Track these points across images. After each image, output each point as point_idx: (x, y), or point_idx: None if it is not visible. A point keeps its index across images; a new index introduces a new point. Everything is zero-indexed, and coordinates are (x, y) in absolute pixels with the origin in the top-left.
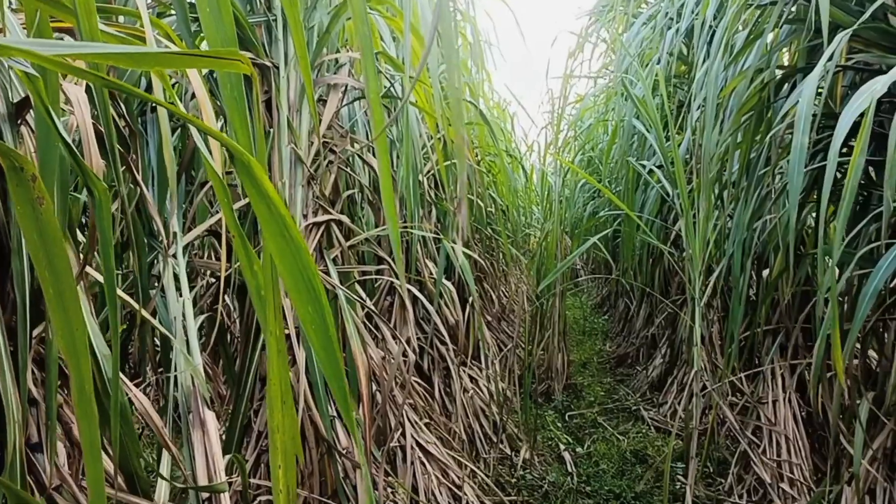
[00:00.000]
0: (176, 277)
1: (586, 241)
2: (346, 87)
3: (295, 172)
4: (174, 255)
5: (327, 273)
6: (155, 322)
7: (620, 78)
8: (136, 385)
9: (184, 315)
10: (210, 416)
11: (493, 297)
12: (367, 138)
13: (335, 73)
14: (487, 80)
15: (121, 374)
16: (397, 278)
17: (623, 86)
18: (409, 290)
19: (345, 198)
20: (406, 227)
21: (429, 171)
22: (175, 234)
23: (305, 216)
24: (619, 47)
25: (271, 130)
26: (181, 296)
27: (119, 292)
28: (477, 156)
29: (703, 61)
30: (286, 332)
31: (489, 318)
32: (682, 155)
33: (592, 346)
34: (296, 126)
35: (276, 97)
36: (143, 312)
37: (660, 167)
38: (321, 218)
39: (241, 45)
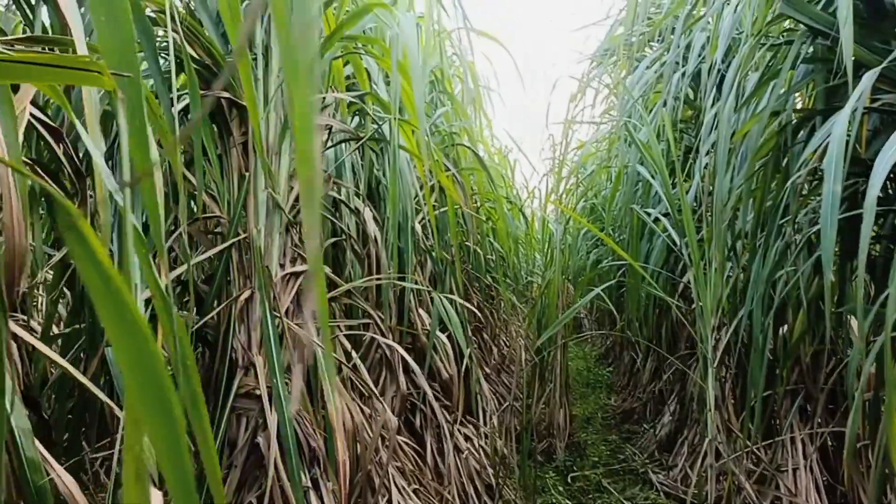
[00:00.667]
0: None
1: (589, 292)
2: (331, 129)
3: (272, 219)
4: None
5: (303, 328)
6: (95, 389)
7: (623, 122)
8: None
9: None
10: (157, 498)
11: (493, 347)
12: (355, 183)
13: (318, 114)
14: (488, 126)
15: (41, 450)
16: (384, 334)
17: (626, 130)
18: (399, 345)
19: (328, 246)
20: (396, 277)
21: (423, 219)
22: None
23: (283, 266)
24: (621, 91)
25: (247, 174)
26: None
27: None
28: (476, 202)
29: (712, 105)
30: (257, 392)
31: (488, 371)
32: (689, 202)
33: (597, 400)
34: (274, 170)
35: (254, 139)
36: (82, 379)
37: (666, 215)
38: (300, 267)
39: (213, 82)
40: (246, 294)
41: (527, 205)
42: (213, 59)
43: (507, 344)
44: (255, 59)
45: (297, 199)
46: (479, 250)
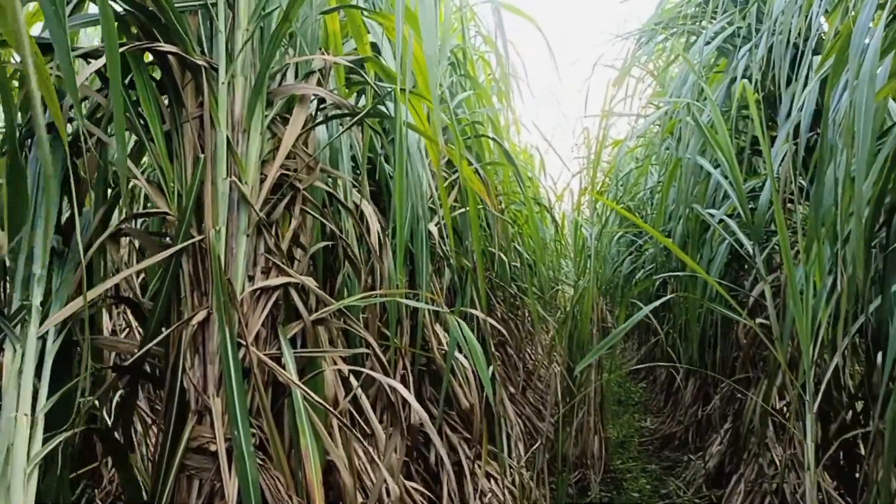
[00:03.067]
0: None
1: (629, 305)
2: (322, 102)
3: (238, 217)
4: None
5: (279, 360)
6: None
7: (684, 104)
8: None
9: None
10: None
11: (518, 362)
12: (354, 174)
13: (303, 82)
14: (515, 124)
15: None
16: (385, 369)
17: (688, 110)
18: (412, 367)
19: (316, 253)
20: (405, 289)
21: (439, 221)
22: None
23: (252, 278)
24: (682, 65)
25: (203, 157)
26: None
27: None
28: (500, 203)
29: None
30: (213, 446)
31: (512, 390)
32: (763, 202)
33: (631, 421)
34: (241, 153)
35: (212, 110)
36: None
37: (731, 216)
38: (275, 281)
39: (165, 36)
40: (200, 315)
41: (555, 207)
42: (156, 4)
43: (533, 357)
44: (214, 5)
45: (272, 192)
46: (503, 257)
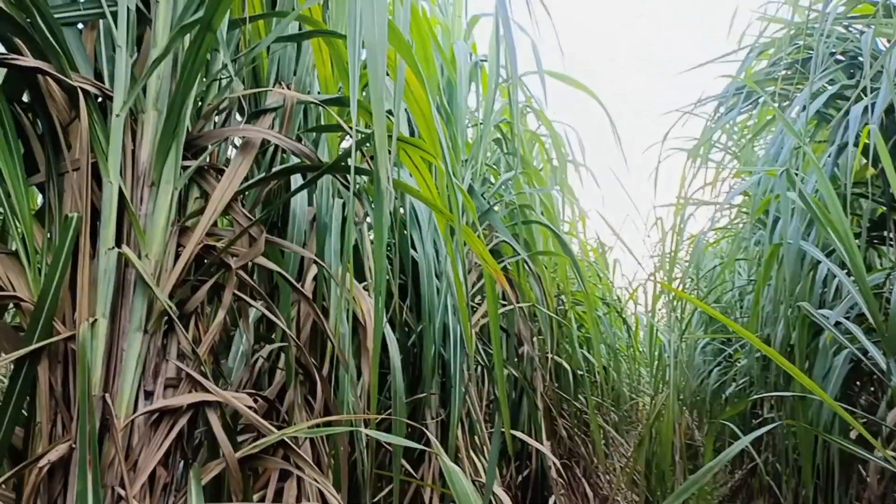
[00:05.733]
0: None
1: (716, 427)
2: (272, 150)
3: (131, 305)
4: None
5: None
6: None
7: (783, 171)
8: None
9: None
10: None
11: (588, 489)
12: (311, 235)
13: (250, 124)
14: (581, 220)
15: None
16: None
17: (788, 178)
18: None
19: (255, 360)
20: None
21: (478, 322)
22: None
23: (150, 394)
24: (750, 159)
25: (74, 216)
26: None
27: None
28: (560, 303)
29: None
30: None
31: None
32: None
33: None
34: (143, 214)
35: (98, 154)
36: None
37: (849, 317)
38: (183, 399)
39: (34, 51)
40: (59, 452)
41: (625, 309)
42: (20, 5)
43: (608, 475)
44: (114, 13)
45: (189, 271)
46: (567, 365)
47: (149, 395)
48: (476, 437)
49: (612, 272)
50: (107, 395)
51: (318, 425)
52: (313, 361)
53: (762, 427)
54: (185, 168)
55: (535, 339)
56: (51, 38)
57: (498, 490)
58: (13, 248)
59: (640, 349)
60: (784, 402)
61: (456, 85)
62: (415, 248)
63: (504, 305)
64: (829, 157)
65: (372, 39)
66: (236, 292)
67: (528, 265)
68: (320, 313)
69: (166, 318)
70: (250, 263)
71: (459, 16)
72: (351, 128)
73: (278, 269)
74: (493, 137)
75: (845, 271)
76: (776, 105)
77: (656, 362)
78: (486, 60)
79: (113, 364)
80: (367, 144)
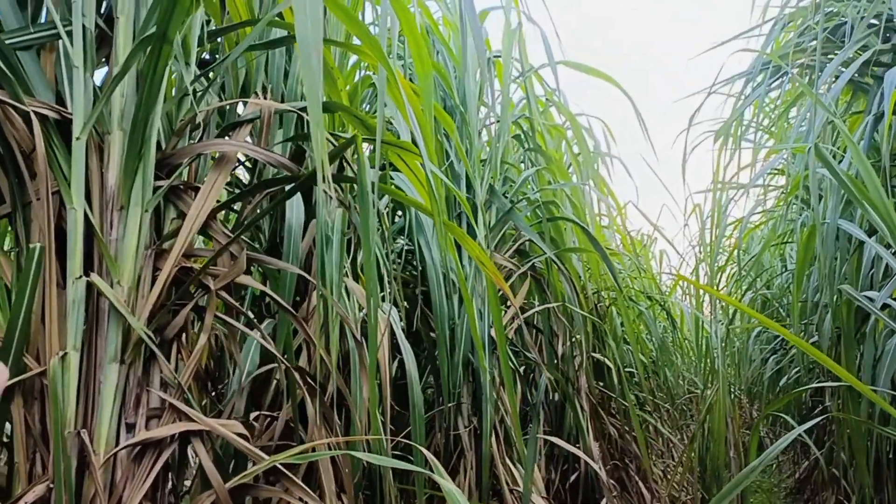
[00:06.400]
0: None
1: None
2: (253, 164)
3: (105, 335)
4: None
5: None
6: None
7: (812, 145)
8: None
9: None
10: None
11: (642, 488)
12: (301, 255)
13: (225, 136)
14: (619, 213)
15: None
16: None
17: (817, 154)
18: None
19: (269, 379)
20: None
21: (512, 321)
22: None
23: (132, 427)
24: (782, 136)
25: (35, 246)
26: None
27: None
28: (598, 298)
29: None
30: None
31: None
32: None
33: None
34: (113, 239)
35: (60, 180)
36: None
37: None
38: (167, 430)
39: None
40: (37, 492)
41: (670, 301)
42: None
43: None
44: (69, 32)
45: (164, 300)
46: (610, 363)
47: (130, 428)
48: (513, 446)
49: (660, 264)
50: (83, 430)
51: (328, 447)
52: (336, 371)
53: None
54: (157, 188)
55: (574, 337)
56: (2, 65)
57: (537, 501)
58: None
59: (688, 338)
60: (838, 389)
61: (466, 84)
62: (420, 245)
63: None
64: (865, 127)
65: (304, 34)
66: (220, 315)
67: (557, 263)
68: (312, 336)
69: (145, 346)
70: (239, 283)
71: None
72: (334, 134)
73: (263, 289)
74: (513, 134)
75: (892, 250)
76: (806, 78)
77: (704, 355)
78: (499, 56)
79: (90, 397)
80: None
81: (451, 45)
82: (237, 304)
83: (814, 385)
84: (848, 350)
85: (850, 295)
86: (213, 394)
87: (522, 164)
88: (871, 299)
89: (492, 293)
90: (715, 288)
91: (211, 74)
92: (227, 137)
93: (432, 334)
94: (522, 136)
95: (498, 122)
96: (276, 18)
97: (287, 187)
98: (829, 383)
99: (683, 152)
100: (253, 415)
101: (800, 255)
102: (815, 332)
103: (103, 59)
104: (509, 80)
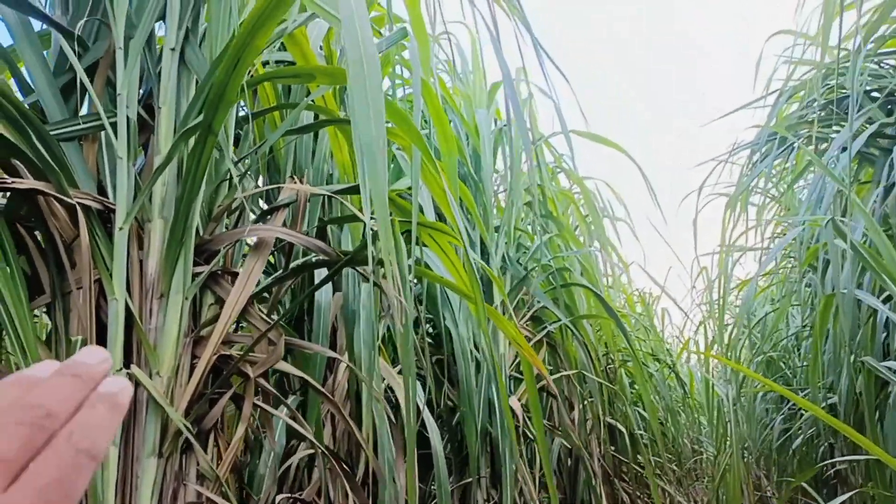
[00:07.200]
0: None
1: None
2: (286, 247)
3: (143, 428)
4: None
5: None
6: None
7: (828, 221)
8: None
9: None
10: None
11: None
12: (340, 323)
13: (263, 222)
14: (623, 268)
15: None
16: None
17: (834, 227)
18: None
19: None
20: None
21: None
22: None
23: None
24: (791, 202)
25: (76, 339)
26: None
27: None
28: (609, 361)
29: None
30: None
31: None
32: None
33: None
34: (152, 328)
35: (102, 271)
36: None
37: None
38: None
39: (33, 171)
40: None
41: (678, 361)
42: (15, 126)
43: None
44: (113, 124)
45: (206, 383)
46: (620, 426)
47: None
48: None
49: (662, 322)
50: None
51: None
52: (371, 454)
53: (837, 481)
54: (196, 275)
55: (586, 401)
56: (48, 158)
57: None
58: None
59: (697, 399)
60: (859, 465)
61: (481, 153)
62: (446, 319)
63: (552, 372)
64: (875, 199)
65: (368, 136)
66: (258, 403)
67: (572, 329)
68: (349, 419)
69: (183, 437)
70: (276, 368)
71: (480, 85)
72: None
73: (301, 374)
74: (524, 201)
75: None
76: (812, 148)
77: (716, 420)
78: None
79: (127, 492)
80: None
81: (464, 112)
82: (274, 391)
83: (839, 459)
84: (872, 421)
85: (872, 366)
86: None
87: (529, 227)
88: (893, 370)
89: (527, 371)
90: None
91: (247, 160)
92: (264, 222)
93: (449, 402)
94: (533, 203)
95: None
96: (313, 103)
97: (319, 270)
98: (857, 457)
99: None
100: (279, 498)
101: (817, 324)
102: (827, 395)
103: (140, 146)
104: (520, 150)
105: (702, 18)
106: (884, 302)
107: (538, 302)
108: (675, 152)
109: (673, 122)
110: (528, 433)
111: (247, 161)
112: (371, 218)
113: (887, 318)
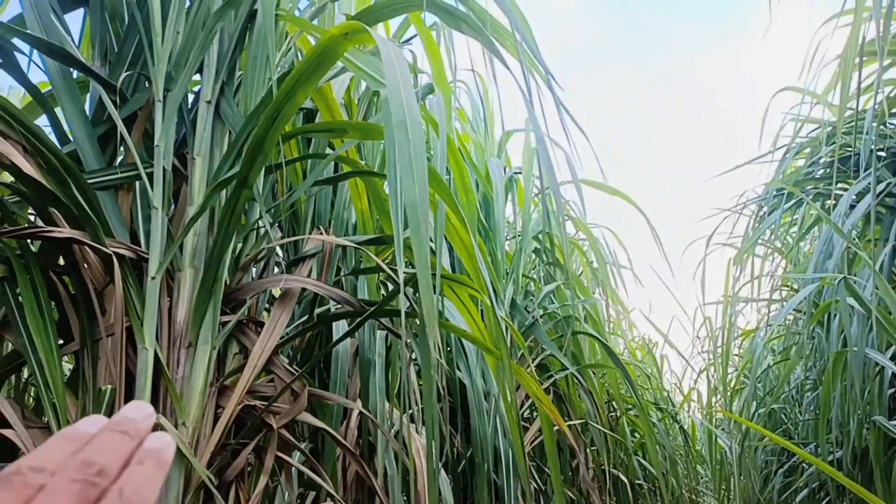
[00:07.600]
0: None
1: None
2: (313, 297)
3: (167, 478)
4: None
5: None
6: None
7: (840, 280)
8: None
9: None
10: None
11: None
12: (354, 370)
13: (289, 272)
14: (625, 313)
15: None
16: None
17: (846, 286)
18: None
19: None
20: None
21: (530, 440)
22: None
23: None
24: (795, 257)
25: (106, 388)
26: None
27: None
28: (612, 409)
29: None
30: None
31: None
32: None
33: None
34: (180, 378)
35: (133, 319)
36: None
37: None
38: None
39: (69, 219)
40: None
41: (682, 410)
42: (54, 176)
43: None
44: (150, 174)
45: (226, 440)
46: (624, 477)
47: None
48: None
49: (661, 367)
50: None
51: None
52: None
53: None
54: (223, 324)
55: (588, 450)
56: (85, 206)
57: None
58: (45, 421)
59: (698, 449)
60: None
61: (493, 201)
62: (459, 369)
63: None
64: (884, 258)
65: (413, 199)
66: (281, 455)
67: (578, 378)
68: (367, 468)
69: (204, 489)
70: (299, 419)
71: (492, 133)
72: (394, 270)
73: (323, 426)
74: (532, 248)
75: None
76: (819, 204)
77: (718, 472)
78: (520, 173)
79: None
80: (408, 286)
81: (475, 159)
82: (295, 442)
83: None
84: (882, 480)
85: (883, 425)
86: None
87: (534, 272)
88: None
89: (545, 422)
90: (722, 395)
91: (274, 211)
92: (290, 273)
93: (454, 448)
94: (540, 250)
95: (518, 236)
96: (329, 151)
97: (344, 321)
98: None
99: (702, 273)
100: None
101: (827, 380)
102: (832, 448)
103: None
104: (530, 199)
105: (714, 71)
106: (891, 359)
107: (543, 349)
108: (685, 201)
109: (684, 173)
110: (533, 481)
111: (274, 212)
112: (391, 269)
113: (892, 373)
